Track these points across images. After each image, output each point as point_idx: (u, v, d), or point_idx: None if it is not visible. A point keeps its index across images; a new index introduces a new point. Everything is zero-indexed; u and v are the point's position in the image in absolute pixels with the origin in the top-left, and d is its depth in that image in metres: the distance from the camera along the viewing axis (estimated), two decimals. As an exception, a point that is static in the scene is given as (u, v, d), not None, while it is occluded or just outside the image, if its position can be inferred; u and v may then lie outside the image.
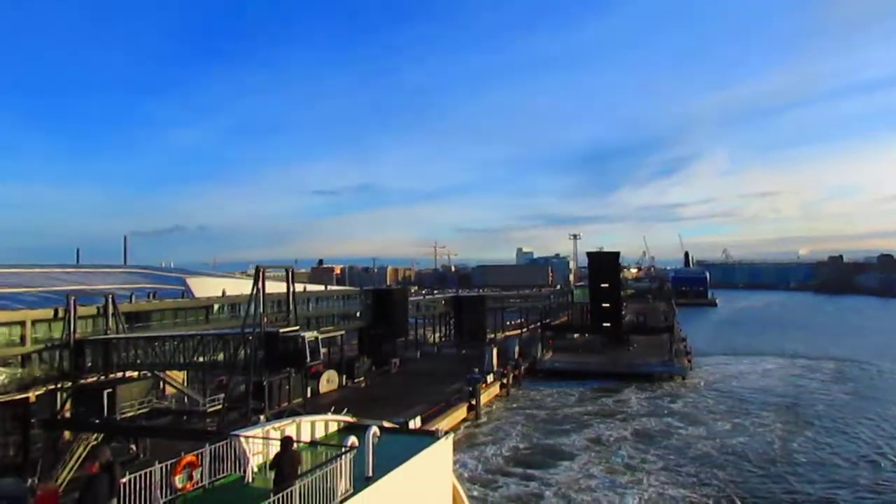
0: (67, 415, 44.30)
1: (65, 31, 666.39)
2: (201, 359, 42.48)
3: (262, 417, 37.56)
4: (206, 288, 77.59)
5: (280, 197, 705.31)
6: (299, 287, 51.82)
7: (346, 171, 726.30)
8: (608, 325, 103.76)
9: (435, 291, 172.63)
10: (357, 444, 15.90)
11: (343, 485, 14.62)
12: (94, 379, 44.27)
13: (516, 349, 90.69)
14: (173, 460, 15.62)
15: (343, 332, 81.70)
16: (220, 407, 42.98)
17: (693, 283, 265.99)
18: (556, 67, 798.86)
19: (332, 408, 30.79)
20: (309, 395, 45.99)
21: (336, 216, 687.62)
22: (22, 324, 44.04)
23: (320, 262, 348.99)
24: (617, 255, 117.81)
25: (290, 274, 43.11)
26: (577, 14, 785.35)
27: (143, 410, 43.41)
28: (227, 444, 16.91)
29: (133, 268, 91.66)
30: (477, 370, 73.28)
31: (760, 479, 45.74)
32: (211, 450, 16.52)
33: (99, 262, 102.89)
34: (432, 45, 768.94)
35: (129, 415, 42.47)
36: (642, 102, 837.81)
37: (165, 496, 14.97)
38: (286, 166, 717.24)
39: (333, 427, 21.36)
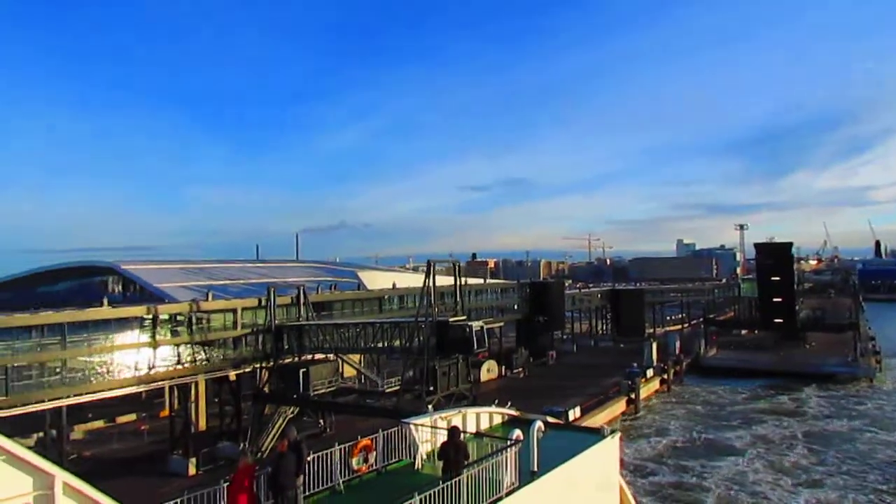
0: (269, 390, 51.10)
1: (246, 48, 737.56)
2: (380, 344, 47.19)
3: (430, 407, 40.48)
4: (375, 280, 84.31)
5: (433, 193, 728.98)
6: (471, 280, 55.82)
7: (496, 166, 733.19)
8: (779, 320, 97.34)
9: (590, 285, 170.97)
10: (522, 437, 15.94)
11: (509, 478, 14.69)
12: (290, 360, 50.65)
13: (677, 344, 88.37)
14: (351, 443, 16.63)
15: (502, 324, 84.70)
16: (397, 388, 47.55)
17: (886, 276, 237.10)
18: (713, 44, 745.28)
19: (496, 400, 31.98)
20: (470, 382, 49.04)
21: (488, 211, 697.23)
22: (234, 311, 51.65)
23: (474, 255, 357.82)
24: (789, 245, 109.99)
25: (456, 268, 46.61)
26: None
27: (331, 389, 49.05)
28: (398, 430, 17.72)
29: (311, 262, 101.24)
30: (636, 365, 72.92)
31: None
32: (384, 435, 17.41)
33: (275, 257, 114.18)
34: (576, 31, 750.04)
35: (319, 392, 48.21)
36: (814, 76, 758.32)
37: (344, 475, 16.08)
38: (438, 163, 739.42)
39: (497, 419, 21.67)
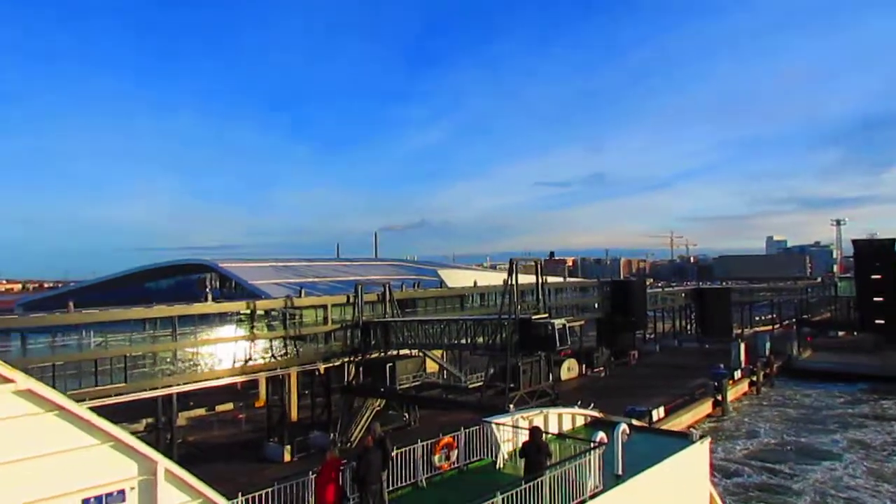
0: (357, 383, 53.27)
1: (328, 49, 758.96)
2: (463, 341, 48.34)
3: (511, 406, 40.77)
4: (456, 278, 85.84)
5: (510, 190, 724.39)
6: (549, 279, 56.17)
7: (575, 162, 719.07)
8: (881, 322, 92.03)
9: (672, 283, 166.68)
10: (606, 440, 15.80)
11: (592, 481, 14.54)
12: (377, 355, 52.63)
13: (767, 346, 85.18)
14: (433, 440, 16.75)
15: (582, 323, 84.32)
16: (479, 384, 48.63)
17: None
18: (802, 24, 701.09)
19: (579, 401, 31.37)
20: (551, 380, 49.48)
21: (565, 208, 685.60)
22: (324, 307, 54.16)
23: (552, 254, 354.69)
24: (892, 241, 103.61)
25: (538, 266, 47.06)
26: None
27: (416, 383, 50.69)
28: (479, 429, 17.76)
29: (393, 261, 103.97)
30: (722, 366, 70.97)
31: None
32: (466, 433, 17.47)
33: (354, 255, 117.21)
34: (657, 18, 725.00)
35: (405, 386, 49.92)
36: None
37: (426, 472, 16.28)
38: (516, 160, 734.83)
39: (580, 421, 21.43)
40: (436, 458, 16.79)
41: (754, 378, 73.28)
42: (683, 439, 19.07)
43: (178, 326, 44.33)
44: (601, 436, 15.95)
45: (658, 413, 53.60)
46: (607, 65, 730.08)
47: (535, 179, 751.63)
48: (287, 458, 47.99)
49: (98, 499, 9.11)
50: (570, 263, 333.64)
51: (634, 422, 25.32)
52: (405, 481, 15.85)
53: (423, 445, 16.21)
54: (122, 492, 9.35)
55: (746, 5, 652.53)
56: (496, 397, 43.92)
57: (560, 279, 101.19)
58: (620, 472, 15.49)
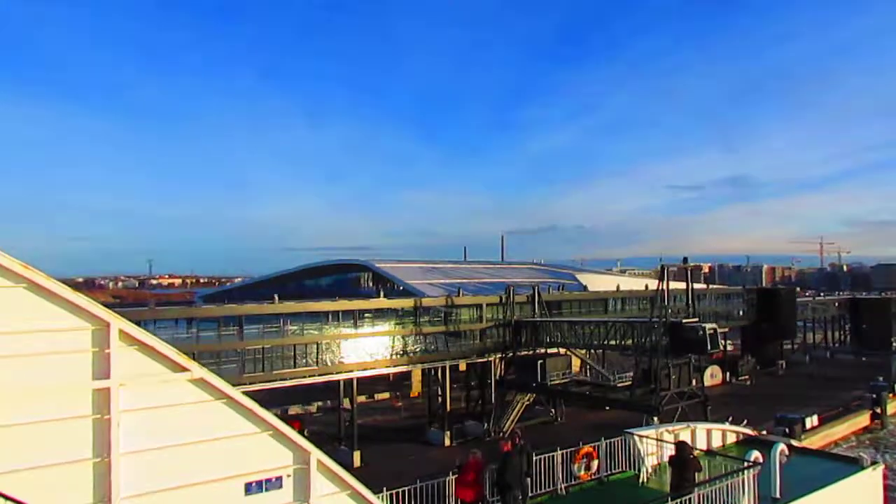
0: (508, 378, 57.31)
1: (460, 52, 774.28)
2: (612, 342, 51.04)
3: (655, 419, 40.55)
4: (594, 282, 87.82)
5: (643, 193, 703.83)
6: (680, 285, 56.73)
7: (712, 164, 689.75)
8: None
9: (822, 293, 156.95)
10: (761, 459, 14.84)
11: (746, 502, 13.83)
12: (528, 352, 56.41)
13: (933, 360, 79.65)
14: (573, 448, 16.53)
15: (726, 330, 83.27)
16: (628, 383, 51.06)
17: None
18: None
19: (730, 417, 31.91)
20: (695, 384, 50.57)
21: (701, 212, 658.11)
22: (479, 307, 58.76)
23: (685, 259, 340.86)
24: None
25: (688, 272, 48.84)
26: None
27: (565, 380, 53.95)
28: (621, 440, 17.39)
29: (532, 264, 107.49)
30: (882, 378, 67.78)
31: None
32: (606, 444, 17.12)
33: (480, 258, 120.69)
34: (807, 14, 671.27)
35: (554, 382, 53.31)
36: None
37: (566, 481, 16.16)
38: (649, 162, 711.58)
39: (731, 438, 20.34)
40: (575, 466, 16.54)
41: (918, 393, 69.23)
42: (852, 464, 17.50)
43: (357, 319, 50.53)
44: (756, 455, 15.00)
45: (811, 421, 53.07)
46: (752, 62, 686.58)
47: (670, 181, 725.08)
48: (447, 442, 52.89)
49: (259, 483, 9.62)
50: (707, 270, 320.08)
51: (794, 442, 24.52)
52: (543, 489, 15.88)
53: (562, 453, 16.08)
54: (279, 478, 9.84)
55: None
56: (645, 395, 46.19)
57: (703, 286, 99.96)
58: (778, 496, 14.66)
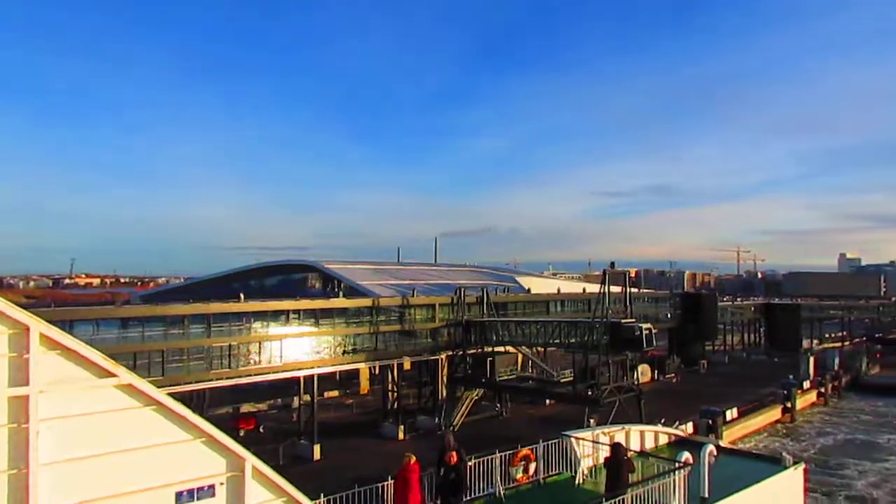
0: (459, 375, 60.49)
1: (389, 58, 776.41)
2: (556, 340, 55.05)
3: (591, 421, 44.26)
4: (534, 285, 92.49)
5: (569, 200, 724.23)
6: (615, 288, 62.23)
7: (637, 173, 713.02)
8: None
9: (738, 298, 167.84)
10: (692, 460, 15.26)
11: (676, 502, 14.18)
12: (477, 350, 59.77)
13: (836, 361, 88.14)
14: (511, 451, 16.72)
15: (656, 331, 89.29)
16: (570, 378, 55.22)
17: None
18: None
19: (662, 419, 34.60)
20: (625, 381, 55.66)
21: (626, 218, 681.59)
22: (432, 307, 61.73)
23: (612, 264, 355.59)
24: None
25: (626, 276, 53.66)
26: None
27: (512, 377, 57.62)
28: (558, 442, 17.61)
29: (476, 267, 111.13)
30: (792, 377, 74.92)
31: None
32: (544, 446, 17.41)
33: (414, 259, 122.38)
34: (731, 28, 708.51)
35: (503, 378, 56.83)
36: None
37: (505, 484, 16.33)
38: (579, 170, 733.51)
39: (663, 439, 21.01)
40: (513, 469, 16.77)
41: (822, 390, 76.89)
42: (775, 464, 18.40)
43: (320, 318, 52.54)
44: (686, 456, 15.45)
45: (732, 414, 58.68)
46: (684, 73, 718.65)
47: (596, 189, 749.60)
48: (401, 436, 55.49)
49: (190, 492, 9.33)
50: (633, 274, 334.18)
51: (722, 443, 25.50)
52: (482, 492, 16.11)
53: (500, 456, 16.22)
54: (212, 486, 9.58)
55: (840, 13, 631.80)
56: (586, 390, 50.33)
57: (635, 290, 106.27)
58: (707, 495, 15.09)
